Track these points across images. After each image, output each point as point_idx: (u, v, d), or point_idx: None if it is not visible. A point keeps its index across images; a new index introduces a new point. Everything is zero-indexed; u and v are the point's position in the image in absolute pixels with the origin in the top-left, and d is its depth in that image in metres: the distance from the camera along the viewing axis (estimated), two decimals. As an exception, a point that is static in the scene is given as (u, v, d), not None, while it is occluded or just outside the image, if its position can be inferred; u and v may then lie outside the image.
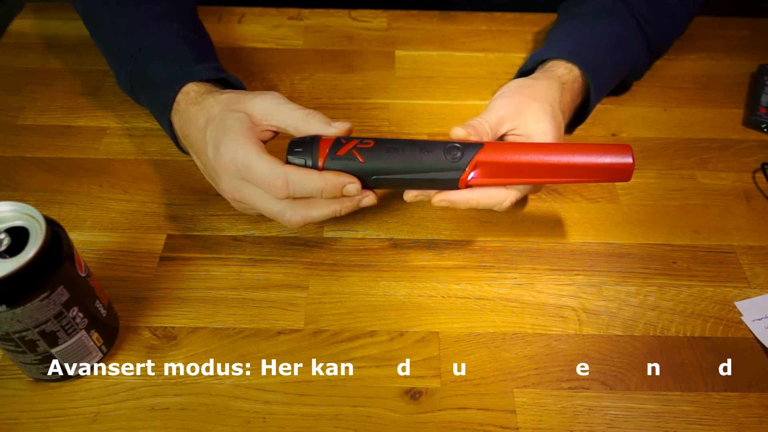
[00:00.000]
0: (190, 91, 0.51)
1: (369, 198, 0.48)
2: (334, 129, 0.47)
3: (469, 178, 0.46)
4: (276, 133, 0.49)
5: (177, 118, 0.52)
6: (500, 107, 0.51)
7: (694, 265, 0.54)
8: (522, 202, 0.58)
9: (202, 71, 0.53)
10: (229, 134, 0.46)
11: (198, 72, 0.53)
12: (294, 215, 0.46)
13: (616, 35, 0.62)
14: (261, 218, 0.56)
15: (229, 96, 0.49)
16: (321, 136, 0.47)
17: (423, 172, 0.46)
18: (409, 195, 0.48)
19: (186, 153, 0.55)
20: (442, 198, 0.48)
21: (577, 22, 0.64)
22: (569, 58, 0.57)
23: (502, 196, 0.48)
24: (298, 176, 0.45)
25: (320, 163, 0.46)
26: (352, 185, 0.46)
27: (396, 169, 0.46)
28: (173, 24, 0.57)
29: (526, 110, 0.51)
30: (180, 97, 0.51)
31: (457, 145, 0.46)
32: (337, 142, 0.46)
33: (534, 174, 0.47)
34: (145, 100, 0.57)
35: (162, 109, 0.53)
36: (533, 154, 0.46)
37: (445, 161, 0.46)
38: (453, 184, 0.47)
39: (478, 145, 0.47)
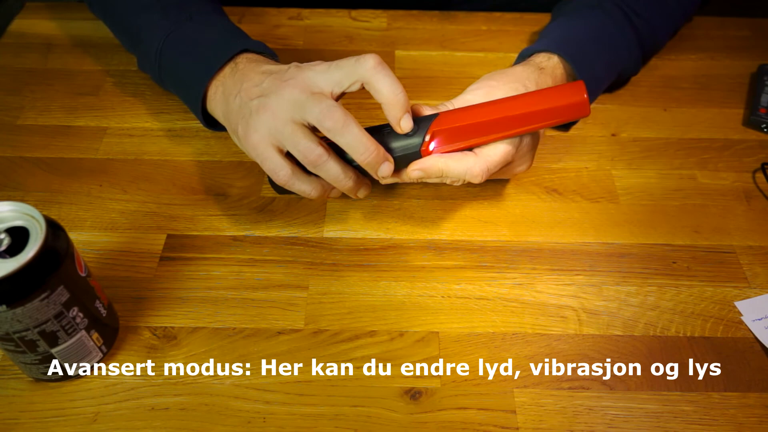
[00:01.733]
0: (250, 56, 0.54)
1: (336, 192, 0.50)
2: None
3: (431, 148, 0.48)
4: None
5: (232, 67, 0.53)
6: (469, 91, 0.52)
7: (694, 265, 0.54)
8: (522, 200, 0.58)
9: (260, 44, 0.56)
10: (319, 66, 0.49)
11: (257, 44, 0.55)
12: (285, 166, 0.47)
13: (600, 27, 0.62)
14: (261, 218, 0.56)
15: None
16: None
17: (388, 151, 0.48)
18: (385, 180, 0.50)
19: (203, 117, 0.56)
20: (414, 168, 0.49)
21: (562, 19, 0.65)
22: (549, 49, 0.58)
23: (471, 162, 0.48)
24: (357, 128, 0.46)
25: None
26: (387, 165, 0.48)
27: None
28: (218, 7, 0.61)
29: (496, 93, 0.51)
30: (238, 57, 0.53)
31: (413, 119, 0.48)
32: None
33: (494, 130, 0.48)
34: (189, 61, 0.57)
35: (207, 67, 0.54)
36: (488, 110, 0.48)
37: (404, 137, 0.48)
38: (417, 157, 0.49)
39: (433, 116, 0.49)
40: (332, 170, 0.47)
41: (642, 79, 0.70)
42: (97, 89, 0.68)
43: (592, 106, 0.66)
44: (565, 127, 0.64)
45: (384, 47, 0.74)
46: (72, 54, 0.72)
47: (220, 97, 0.53)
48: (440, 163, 0.48)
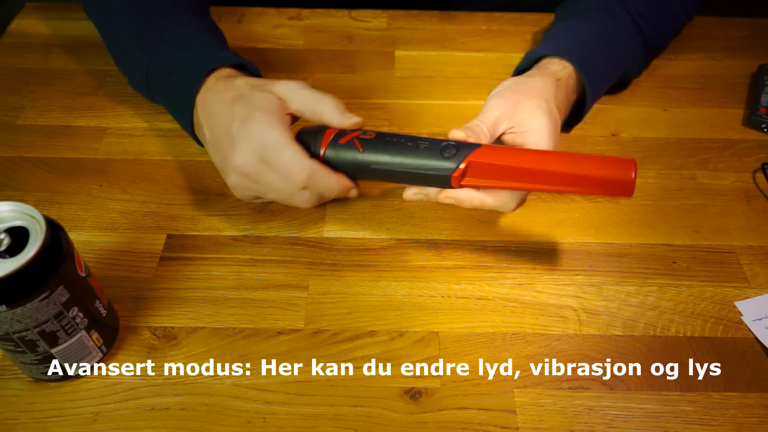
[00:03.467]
0: (220, 74, 0.53)
1: (354, 191, 0.51)
2: (343, 118, 0.49)
3: (463, 176, 0.47)
4: (295, 119, 0.51)
5: (202, 98, 0.52)
6: (496, 107, 0.52)
7: (694, 265, 0.54)
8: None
9: (230, 56, 0.55)
10: (260, 112, 0.47)
11: (226, 57, 0.55)
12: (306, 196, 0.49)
13: (610, 31, 0.62)
14: (261, 218, 0.56)
15: (257, 79, 0.52)
16: (328, 127, 0.49)
17: (418, 167, 0.47)
18: (408, 193, 0.50)
19: (196, 139, 0.55)
20: (447, 195, 0.49)
21: (572, 20, 0.65)
22: (562, 54, 0.57)
23: (507, 198, 0.48)
24: (321, 174, 0.48)
25: (322, 151, 0.48)
26: (354, 191, 0.50)
27: (391, 161, 0.47)
28: (193, 18, 0.60)
29: (521, 109, 0.51)
30: (209, 80, 0.53)
31: (452, 143, 0.47)
32: (342, 131, 0.49)
33: (528, 180, 0.46)
34: (165, 89, 0.57)
35: (186, 94, 0.53)
36: (529, 160, 0.46)
37: (439, 157, 0.47)
38: (445, 181, 0.47)
39: (474, 146, 0.47)
40: (323, 184, 0.48)
41: (642, 79, 0.70)
42: (97, 89, 0.68)
43: (593, 106, 0.66)
44: (567, 127, 0.64)
45: (384, 47, 0.74)
46: (72, 54, 0.72)
47: (201, 108, 0.53)
48: (476, 201, 0.49)
